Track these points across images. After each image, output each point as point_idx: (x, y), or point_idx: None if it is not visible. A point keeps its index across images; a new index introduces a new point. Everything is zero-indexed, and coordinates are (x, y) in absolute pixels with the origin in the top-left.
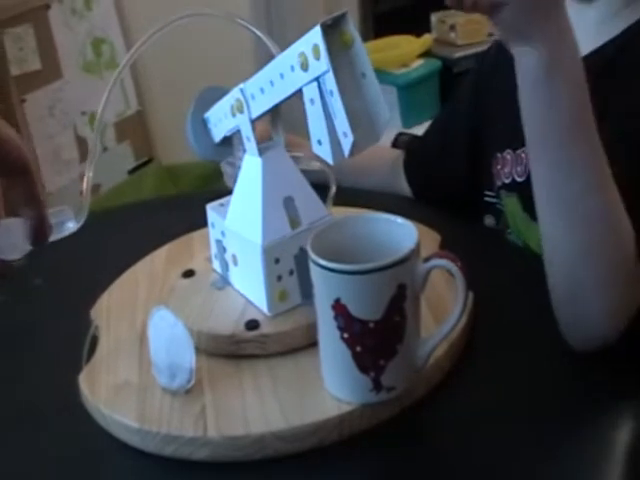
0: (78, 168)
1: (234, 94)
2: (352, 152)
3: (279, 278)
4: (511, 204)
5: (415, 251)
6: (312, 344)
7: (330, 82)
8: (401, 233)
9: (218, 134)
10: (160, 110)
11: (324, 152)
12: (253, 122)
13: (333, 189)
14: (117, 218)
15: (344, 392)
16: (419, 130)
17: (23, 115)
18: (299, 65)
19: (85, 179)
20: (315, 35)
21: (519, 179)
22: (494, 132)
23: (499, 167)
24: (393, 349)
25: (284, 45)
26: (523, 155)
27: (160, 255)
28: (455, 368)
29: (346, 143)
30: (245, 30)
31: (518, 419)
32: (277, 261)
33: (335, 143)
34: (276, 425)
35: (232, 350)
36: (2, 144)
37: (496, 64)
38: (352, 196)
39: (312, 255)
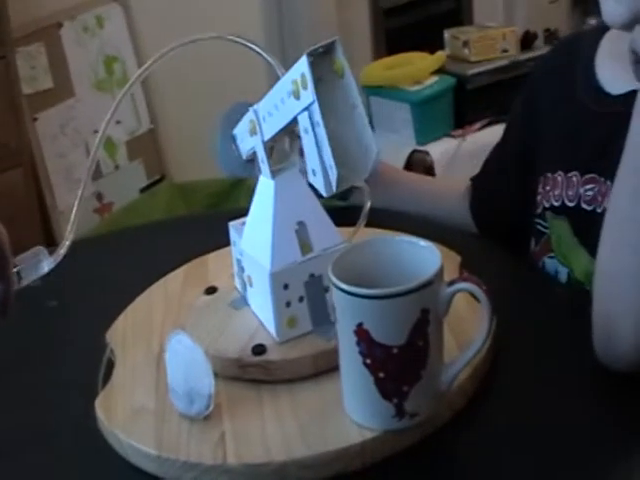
0: (91, 187)
1: (249, 114)
2: (338, 186)
3: (288, 304)
4: (559, 227)
5: (439, 274)
6: (323, 372)
7: (316, 113)
8: (424, 255)
9: (244, 151)
10: (172, 128)
11: (318, 183)
12: (265, 144)
13: (367, 206)
14: (130, 238)
15: (366, 418)
16: (433, 147)
17: (35, 134)
18: (292, 93)
19: (72, 216)
20: (302, 64)
21: (570, 204)
22: (545, 148)
23: (548, 188)
24: (416, 375)
25: (297, 57)
26: (575, 179)
27: (176, 277)
28: (478, 392)
29: (332, 176)
30: (255, 36)
31: (543, 444)
32: (286, 287)
33: (326, 175)
34: (298, 452)
35: (238, 374)
36: None
37: (551, 69)
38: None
39: (333, 279)
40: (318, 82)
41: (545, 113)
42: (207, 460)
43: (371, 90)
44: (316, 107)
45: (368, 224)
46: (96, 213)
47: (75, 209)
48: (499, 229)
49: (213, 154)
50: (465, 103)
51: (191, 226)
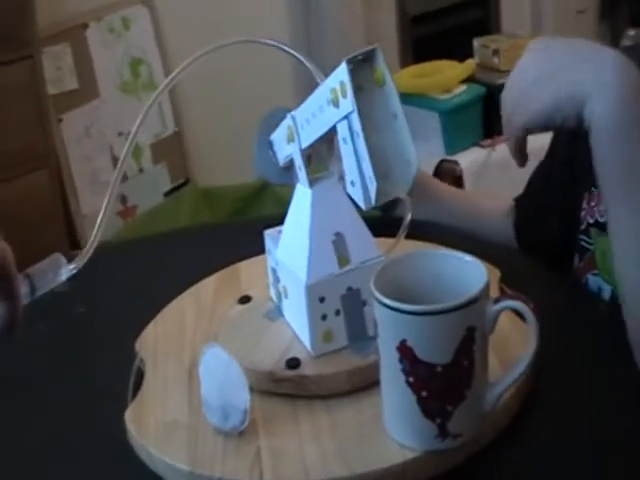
0: (115, 190)
1: (287, 121)
2: (378, 199)
3: (324, 317)
4: (603, 243)
5: (485, 291)
6: (361, 388)
7: (355, 123)
8: (468, 271)
9: (281, 158)
10: (197, 132)
11: (356, 195)
12: (303, 151)
13: (407, 218)
14: (158, 244)
15: (408, 438)
16: (462, 157)
17: (60, 135)
18: (331, 101)
19: (96, 226)
20: (342, 72)
21: None
22: (591, 163)
23: (593, 204)
24: (461, 394)
25: (323, 70)
26: None
27: (207, 286)
28: (522, 411)
29: (371, 189)
30: (284, 54)
31: (589, 461)
32: (322, 300)
33: (365, 187)
34: (337, 472)
35: (271, 388)
36: None
37: None
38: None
39: (376, 293)
40: (358, 91)
41: None
42: (243, 478)
43: (399, 98)
44: (355, 116)
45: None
46: (119, 216)
47: (100, 218)
48: (543, 247)
49: (254, 160)
50: (494, 113)
51: (220, 233)
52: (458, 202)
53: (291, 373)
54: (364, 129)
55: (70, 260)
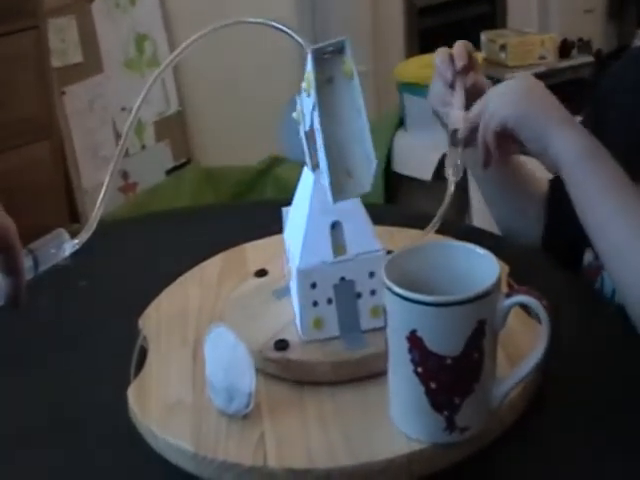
0: (118, 166)
1: (297, 101)
2: (338, 193)
3: (315, 304)
4: None
5: (498, 285)
6: (367, 377)
7: (315, 118)
8: (480, 264)
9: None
10: (200, 111)
11: (325, 185)
12: (307, 133)
13: (446, 202)
14: (163, 222)
15: (415, 429)
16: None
17: (62, 108)
18: (305, 90)
19: (98, 202)
20: (309, 63)
21: None
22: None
23: None
24: (469, 387)
25: None
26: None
27: (212, 265)
28: (529, 409)
29: (327, 184)
30: (290, 37)
31: (595, 462)
32: (314, 286)
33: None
34: (342, 460)
35: (263, 367)
36: None
37: (622, 82)
38: (411, 218)
39: (387, 282)
40: (328, 83)
41: (615, 127)
42: (247, 461)
43: (405, 87)
44: (315, 113)
45: (411, 227)
46: (120, 192)
47: (102, 193)
48: (567, 230)
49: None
50: None
51: (225, 214)
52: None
53: (277, 355)
54: (327, 123)
55: (73, 236)
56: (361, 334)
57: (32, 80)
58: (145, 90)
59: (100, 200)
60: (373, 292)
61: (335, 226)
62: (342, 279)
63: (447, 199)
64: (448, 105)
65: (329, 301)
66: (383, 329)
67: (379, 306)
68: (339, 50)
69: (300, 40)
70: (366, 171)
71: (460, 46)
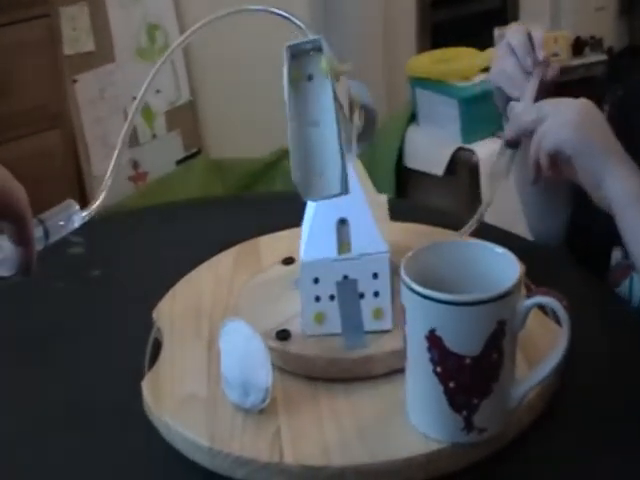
0: (127, 153)
1: None
2: (303, 194)
3: (317, 299)
4: None
5: (518, 285)
6: (382, 375)
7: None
8: (499, 263)
9: None
10: (211, 102)
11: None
12: None
13: (484, 204)
14: (176, 213)
15: (432, 429)
16: (479, 147)
17: (74, 96)
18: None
19: (109, 169)
20: (284, 58)
21: None
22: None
23: None
24: (488, 388)
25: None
26: None
27: (226, 258)
28: (546, 410)
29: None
30: (300, 21)
31: (612, 464)
32: (316, 281)
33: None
34: (359, 459)
35: None
36: (4, 198)
37: None
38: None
39: (406, 279)
40: (309, 80)
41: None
42: (262, 457)
43: (417, 82)
44: (288, 105)
45: (426, 223)
46: (131, 181)
47: (112, 163)
48: (590, 234)
49: None
50: None
51: (238, 205)
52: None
53: (276, 344)
54: (297, 120)
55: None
56: (363, 334)
57: (44, 68)
58: (149, 78)
59: (108, 173)
60: (376, 294)
61: (342, 223)
62: (345, 277)
63: (487, 200)
64: (518, 90)
65: (331, 298)
66: (387, 332)
67: (382, 308)
68: (318, 48)
69: (302, 25)
70: (336, 172)
71: (541, 33)
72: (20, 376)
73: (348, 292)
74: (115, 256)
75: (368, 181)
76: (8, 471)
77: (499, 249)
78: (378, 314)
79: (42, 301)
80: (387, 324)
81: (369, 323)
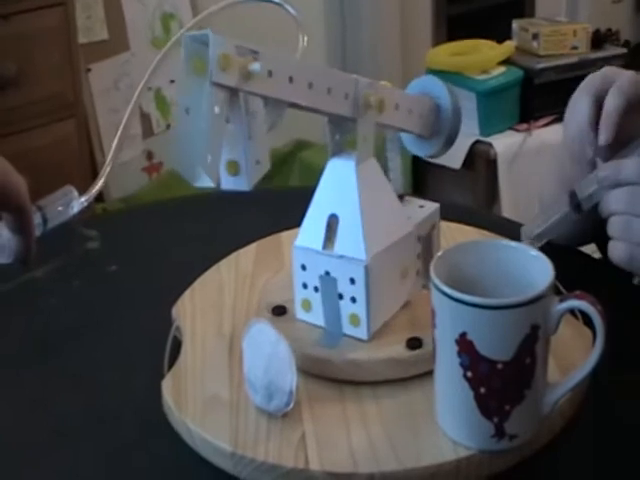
0: (141, 144)
1: None
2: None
3: (304, 286)
4: None
5: (551, 288)
6: (411, 377)
7: None
8: (531, 265)
9: None
10: None
11: None
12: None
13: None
14: (194, 206)
15: (462, 435)
16: (496, 140)
17: (88, 85)
18: None
19: (108, 158)
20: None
21: None
22: None
23: None
24: (521, 394)
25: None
26: None
27: (247, 254)
28: (577, 415)
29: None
30: (316, 18)
31: None
32: (304, 268)
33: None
34: (387, 465)
35: None
36: (5, 191)
37: None
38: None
39: (436, 281)
40: (196, 71)
41: None
42: (288, 463)
43: (435, 74)
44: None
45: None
46: (144, 172)
47: (115, 143)
48: None
49: None
50: (532, 98)
51: (256, 199)
52: None
53: (268, 316)
54: (181, 110)
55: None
56: (340, 336)
57: (59, 57)
58: (153, 64)
59: (110, 156)
60: (353, 299)
61: (333, 218)
62: (327, 273)
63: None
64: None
65: (316, 289)
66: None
67: (357, 315)
68: (205, 43)
69: (294, 13)
70: (195, 165)
71: (616, 105)
72: (35, 375)
73: (329, 288)
74: (132, 251)
75: (385, 182)
76: (23, 476)
77: (532, 251)
78: (354, 320)
79: (57, 298)
80: (362, 333)
81: (347, 327)
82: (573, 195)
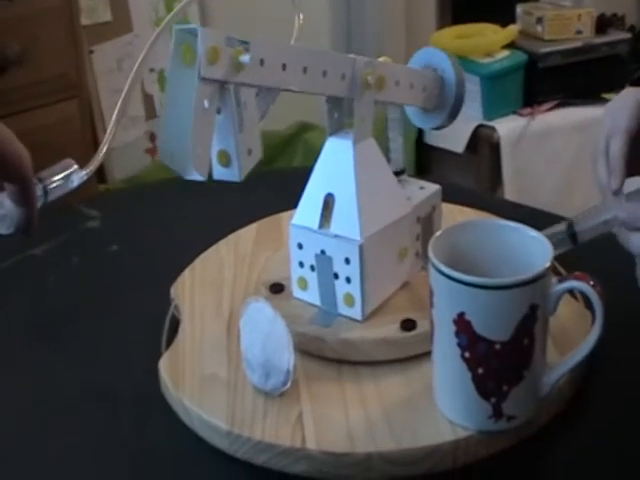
0: (144, 125)
1: None
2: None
3: (301, 264)
4: None
5: (550, 269)
6: (409, 358)
7: None
8: (530, 246)
9: None
10: None
11: None
12: (328, 97)
13: None
14: (195, 186)
15: (460, 416)
16: (500, 124)
17: (91, 66)
18: None
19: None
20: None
21: None
22: None
23: None
24: (519, 374)
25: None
26: None
27: (247, 234)
28: (576, 397)
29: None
30: (323, 4)
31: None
32: (300, 246)
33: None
34: (384, 445)
35: None
36: (7, 160)
37: None
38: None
39: (434, 260)
40: (184, 63)
41: None
42: (284, 442)
43: None
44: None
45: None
46: (147, 153)
47: (114, 117)
48: None
49: None
50: (535, 82)
51: (256, 180)
52: None
53: (265, 294)
54: (170, 99)
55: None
56: (335, 315)
57: (62, 38)
58: (146, 47)
59: (109, 130)
60: (348, 280)
61: (329, 197)
62: (322, 252)
63: None
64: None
65: (312, 268)
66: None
67: (352, 295)
68: (195, 34)
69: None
70: (185, 159)
71: (619, 161)
72: (35, 353)
73: (324, 268)
74: (132, 231)
75: (384, 162)
76: (22, 454)
77: (531, 231)
78: (349, 300)
79: (57, 277)
80: (357, 313)
81: (341, 307)
82: (570, 226)
